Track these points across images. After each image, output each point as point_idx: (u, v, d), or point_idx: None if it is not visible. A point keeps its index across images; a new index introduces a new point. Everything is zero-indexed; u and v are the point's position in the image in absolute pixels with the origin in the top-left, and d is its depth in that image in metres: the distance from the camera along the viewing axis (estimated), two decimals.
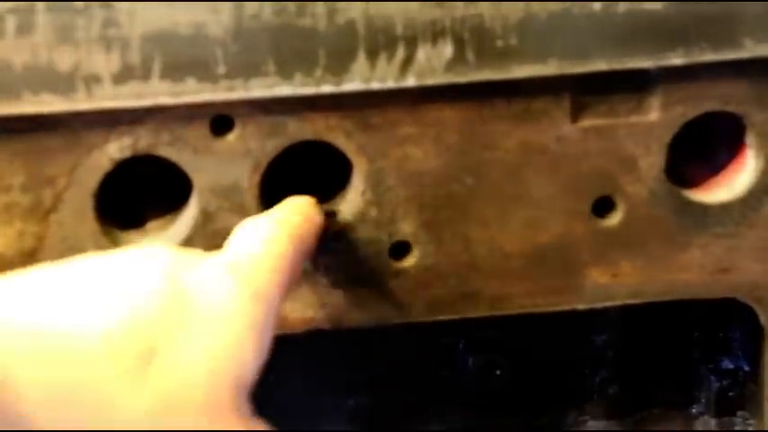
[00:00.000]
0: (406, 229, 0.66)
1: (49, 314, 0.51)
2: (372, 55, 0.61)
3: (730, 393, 0.83)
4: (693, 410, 0.84)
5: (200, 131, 0.63)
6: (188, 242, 0.64)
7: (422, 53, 0.61)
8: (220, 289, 0.54)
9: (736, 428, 0.83)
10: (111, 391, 0.49)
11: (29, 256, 0.64)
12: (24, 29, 0.59)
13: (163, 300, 0.52)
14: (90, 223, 0.64)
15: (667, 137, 0.66)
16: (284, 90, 0.61)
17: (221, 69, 0.61)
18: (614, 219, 0.68)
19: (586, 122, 0.65)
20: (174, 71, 0.60)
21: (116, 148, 0.63)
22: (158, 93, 0.61)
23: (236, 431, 0.52)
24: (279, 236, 0.58)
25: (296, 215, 0.61)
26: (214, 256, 0.56)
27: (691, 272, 0.69)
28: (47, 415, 0.49)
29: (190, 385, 0.51)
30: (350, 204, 0.66)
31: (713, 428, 0.83)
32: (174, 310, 0.52)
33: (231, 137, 0.63)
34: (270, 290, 0.55)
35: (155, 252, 0.55)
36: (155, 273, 0.53)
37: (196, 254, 0.57)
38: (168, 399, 0.50)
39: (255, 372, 0.53)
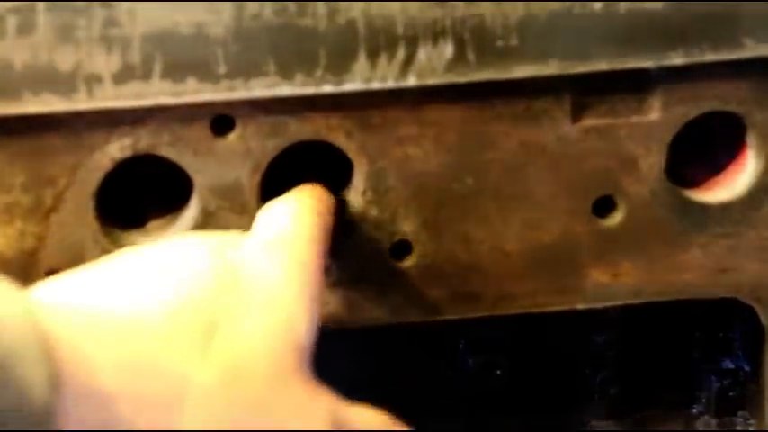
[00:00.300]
0: (407, 228, 0.66)
1: (112, 297, 0.52)
2: (373, 55, 0.61)
3: (731, 393, 0.83)
4: (694, 410, 0.84)
5: (200, 131, 0.63)
6: None
7: (422, 53, 0.61)
8: (268, 261, 0.56)
9: (737, 429, 0.83)
10: (181, 365, 0.51)
11: (29, 256, 0.64)
12: (25, 28, 0.59)
13: (215, 277, 0.54)
14: (91, 223, 0.64)
15: (668, 137, 0.66)
16: (285, 90, 0.61)
17: (222, 69, 0.61)
18: (615, 219, 0.68)
19: (587, 122, 0.65)
20: (175, 71, 0.60)
21: (117, 148, 0.63)
22: (159, 93, 0.61)
23: (300, 397, 0.54)
24: (303, 212, 0.60)
25: (311, 197, 0.63)
26: (250, 236, 0.59)
27: (691, 272, 0.69)
28: (122, 389, 0.50)
29: (253, 355, 0.53)
30: (350, 204, 0.66)
31: (714, 428, 0.83)
32: (227, 284, 0.54)
33: (232, 137, 0.63)
34: (312, 260, 0.58)
35: (199, 238, 0.58)
36: (204, 254, 0.56)
37: (233, 235, 0.59)
38: (235, 369, 0.52)
39: (312, 338, 0.55)
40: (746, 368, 0.82)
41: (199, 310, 0.53)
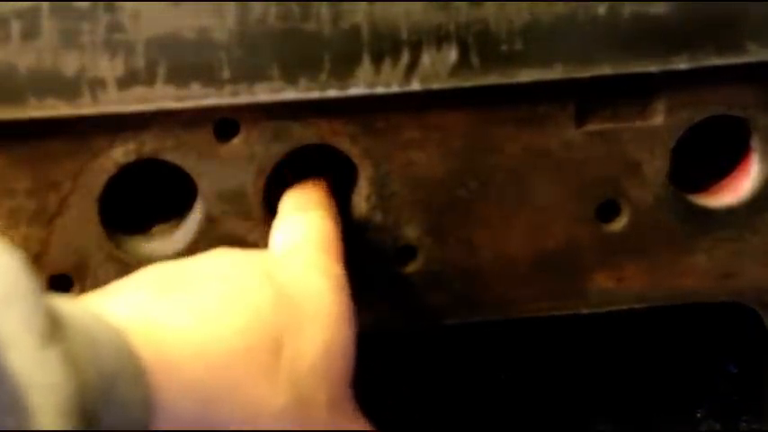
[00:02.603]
0: (411, 233, 0.66)
1: (183, 317, 0.52)
2: (377, 59, 0.61)
3: (735, 397, 0.83)
4: (698, 414, 0.84)
5: (204, 136, 0.63)
6: (193, 246, 0.64)
7: (426, 58, 0.61)
8: (312, 286, 0.56)
9: None
10: (255, 389, 0.51)
11: (34, 261, 0.63)
12: (29, 33, 0.59)
13: (273, 299, 0.54)
14: (95, 228, 0.64)
15: (672, 141, 0.66)
16: (289, 94, 0.61)
17: (226, 74, 0.61)
18: (619, 223, 0.67)
19: (591, 127, 0.65)
20: (179, 76, 0.60)
21: (121, 153, 0.63)
22: (163, 97, 0.61)
23: (353, 425, 0.56)
24: (325, 222, 0.61)
25: (325, 198, 0.64)
26: (283, 253, 0.59)
27: (695, 276, 0.69)
28: (205, 413, 0.50)
29: (315, 380, 0.53)
30: (354, 209, 0.66)
31: None
32: (284, 308, 0.54)
33: (236, 141, 0.63)
34: (343, 277, 0.58)
35: (235, 253, 0.58)
36: (253, 271, 0.55)
37: (260, 252, 0.60)
38: (300, 394, 0.53)
39: (354, 354, 0.56)
40: (750, 372, 0.82)
41: (265, 330, 0.53)
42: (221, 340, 0.51)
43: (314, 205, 0.63)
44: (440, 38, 0.61)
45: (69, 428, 0.42)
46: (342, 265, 0.59)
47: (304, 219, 0.61)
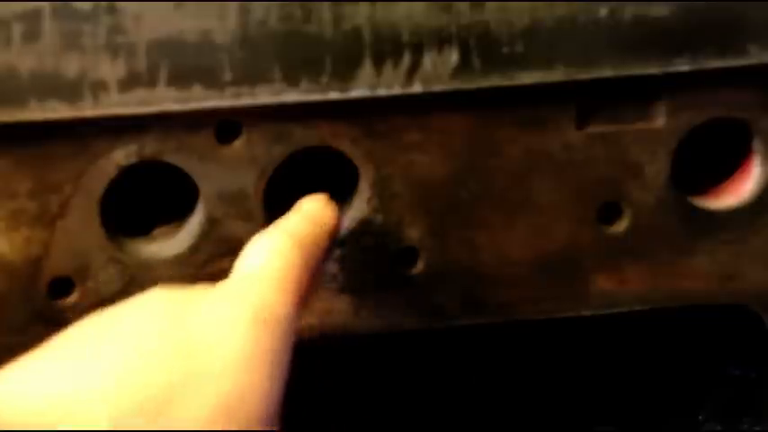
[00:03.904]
0: (413, 235, 0.66)
1: (56, 384, 0.48)
2: (378, 61, 0.61)
3: (737, 400, 0.83)
4: (700, 417, 0.84)
5: (206, 138, 0.63)
6: (194, 249, 0.64)
7: (428, 60, 0.61)
8: (219, 323, 0.51)
9: None
10: None
11: (35, 263, 0.64)
12: (30, 35, 0.59)
13: (163, 350, 0.50)
14: (96, 230, 0.64)
15: (673, 143, 0.66)
16: (290, 97, 0.61)
17: (227, 76, 0.61)
18: (620, 225, 0.67)
19: (592, 129, 0.65)
20: (181, 78, 0.60)
21: (122, 155, 0.63)
22: (164, 99, 0.61)
23: None
24: (286, 248, 0.56)
25: (305, 222, 0.59)
26: (219, 283, 0.55)
27: (697, 278, 0.69)
28: None
29: (222, 427, 0.49)
30: (356, 211, 0.66)
31: None
32: (182, 362, 0.49)
33: (237, 143, 0.63)
34: (275, 309, 0.53)
35: (159, 300, 0.53)
36: (154, 321, 0.51)
37: (198, 291, 0.54)
38: None
39: (277, 397, 0.51)
40: (752, 374, 0.82)
41: (146, 392, 0.48)
42: (83, 411, 0.47)
43: (293, 227, 0.58)
44: (441, 40, 0.61)
45: None
46: (299, 296, 0.54)
47: (270, 245, 0.56)
